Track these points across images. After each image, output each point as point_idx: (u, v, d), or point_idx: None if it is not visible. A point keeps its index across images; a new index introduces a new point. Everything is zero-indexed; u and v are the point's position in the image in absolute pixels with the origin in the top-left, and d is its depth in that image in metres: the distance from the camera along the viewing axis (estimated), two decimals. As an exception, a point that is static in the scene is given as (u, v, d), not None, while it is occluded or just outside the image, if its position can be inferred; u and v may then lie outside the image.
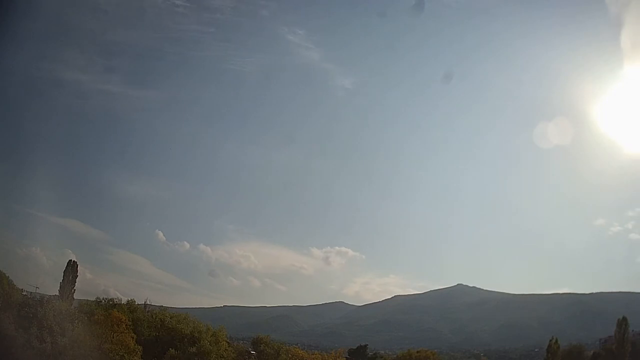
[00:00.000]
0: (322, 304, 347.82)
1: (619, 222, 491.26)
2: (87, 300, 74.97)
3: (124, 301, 71.70)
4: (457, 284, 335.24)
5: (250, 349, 79.62)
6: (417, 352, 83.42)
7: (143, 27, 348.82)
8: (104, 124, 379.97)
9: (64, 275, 72.73)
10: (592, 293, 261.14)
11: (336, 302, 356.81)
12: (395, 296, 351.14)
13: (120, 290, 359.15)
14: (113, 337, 57.56)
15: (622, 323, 71.06)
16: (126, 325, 60.35)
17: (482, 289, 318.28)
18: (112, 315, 60.04)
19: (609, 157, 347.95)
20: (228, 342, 73.86)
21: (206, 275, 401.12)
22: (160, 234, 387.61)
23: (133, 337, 59.83)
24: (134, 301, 73.85)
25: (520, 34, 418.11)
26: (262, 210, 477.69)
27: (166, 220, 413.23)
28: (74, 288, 72.93)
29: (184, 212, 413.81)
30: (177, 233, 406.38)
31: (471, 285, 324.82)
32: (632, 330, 73.00)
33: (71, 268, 73.62)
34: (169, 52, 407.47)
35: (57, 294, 71.62)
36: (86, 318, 57.32)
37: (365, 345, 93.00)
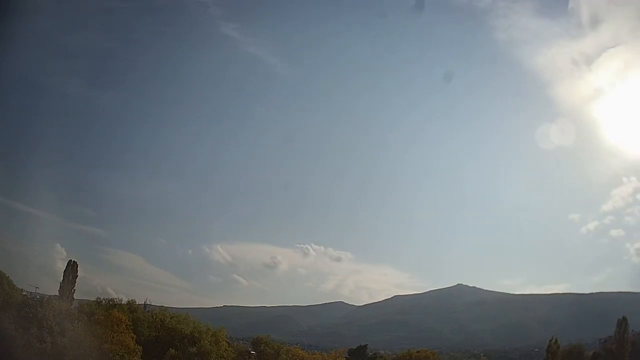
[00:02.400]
0: (322, 304, 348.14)
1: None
2: (87, 300, 75.08)
3: (124, 301, 71.90)
4: (457, 284, 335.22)
5: (250, 349, 79.59)
6: (417, 352, 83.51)
7: (98, 29, 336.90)
8: (102, 125, 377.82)
9: (63, 275, 72.70)
10: (592, 293, 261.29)
11: (336, 302, 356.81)
12: (395, 296, 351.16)
13: (120, 290, 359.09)
14: (113, 337, 57.61)
15: (622, 323, 71.18)
16: (126, 325, 60.41)
17: (482, 289, 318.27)
18: (112, 315, 60.13)
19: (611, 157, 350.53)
20: (228, 342, 73.87)
21: (206, 275, 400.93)
22: (160, 233, 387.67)
23: (133, 337, 59.89)
24: (134, 301, 74.02)
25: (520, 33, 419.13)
26: (261, 210, 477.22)
27: (166, 220, 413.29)
28: (74, 288, 72.90)
29: (184, 212, 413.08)
30: (177, 233, 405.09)
31: (471, 285, 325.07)
32: (632, 330, 73.10)
33: (71, 268, 73.60)
34: (130, 53, 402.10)
35: (57, 294, 71.58)
36: (86, 318, 57.44)
37: (365, 345, 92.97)
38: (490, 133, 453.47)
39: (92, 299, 74.40)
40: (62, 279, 72.56)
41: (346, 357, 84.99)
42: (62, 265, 75.27)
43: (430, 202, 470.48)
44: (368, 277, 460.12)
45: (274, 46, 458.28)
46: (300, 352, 78.89)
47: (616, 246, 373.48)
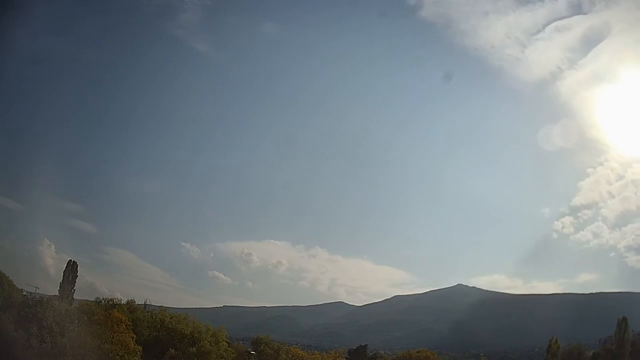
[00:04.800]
0: (322, 304, 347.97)
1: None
2: (87, 300, 75.15)
3: (124, 301, 71.87)
4: (457, 284, 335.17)
5: (250, 349, 79.73)
6: (417, 352, 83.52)
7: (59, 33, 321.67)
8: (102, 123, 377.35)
9: (63, 276, 72.88)
10: (592, 293, 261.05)
11: (336, 302, 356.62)
12: (395, 296, 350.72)
13: (121, 290, 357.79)
14: (113, 337, 57.73)
15: (622, 323, 71.23)
16: (126, 325, 60.50)
17: (482, 289, 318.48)
18: (112, 316, 60.17)
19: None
20: (228, 342, 73.94)
21: (205, 275, 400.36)
22: (161, 233, 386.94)
23: (133, 337, 59.99)
24: (134, 301, 74.09)
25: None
26: (260, 209, 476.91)
27: (166, 220, 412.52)
28: (74, 288, 73.09)
29: (184, 212, 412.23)
30: (177, 232, 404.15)
31: (471, 285, 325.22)
32: (632, 330, 73.03)
33: (71, 268, 73.77)
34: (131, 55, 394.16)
35: (57, 294, 71.66)
36: (86, 318, 57.47)
37: (365, 345, 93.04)
38: (495, 133, 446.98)
39: (92, 299, 74.57)
40: (61, 279, 72.69)
41: (346, 357, 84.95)
42: (52, 262, 75.36)
43: (431, 202, 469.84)
44: (367, 277, 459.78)
45: (275, 46, 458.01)
46: (300, 352, 78.89)
47: (601, 243, 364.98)
